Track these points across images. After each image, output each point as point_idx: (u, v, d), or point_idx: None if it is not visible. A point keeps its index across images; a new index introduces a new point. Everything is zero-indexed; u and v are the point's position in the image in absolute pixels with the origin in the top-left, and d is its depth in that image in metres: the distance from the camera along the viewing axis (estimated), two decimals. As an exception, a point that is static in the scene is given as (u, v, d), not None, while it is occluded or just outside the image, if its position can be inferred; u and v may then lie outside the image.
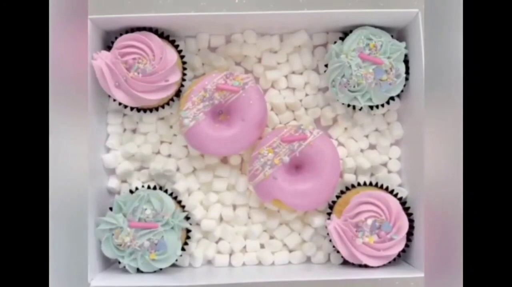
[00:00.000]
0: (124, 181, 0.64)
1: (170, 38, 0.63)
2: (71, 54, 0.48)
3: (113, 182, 0.63)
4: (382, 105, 0.62)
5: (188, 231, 0.61)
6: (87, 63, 0.56)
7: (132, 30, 0.61)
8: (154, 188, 0.61)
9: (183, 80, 0.63)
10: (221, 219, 0.64)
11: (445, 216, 0.37)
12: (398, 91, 0.60)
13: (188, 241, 0.61)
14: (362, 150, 0.64)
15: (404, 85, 0.61)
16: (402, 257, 0.61)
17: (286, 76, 0.65)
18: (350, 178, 0.63)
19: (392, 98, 0.61)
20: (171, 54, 0.60)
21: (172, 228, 0.57)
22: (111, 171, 0.64)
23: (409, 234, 0.59)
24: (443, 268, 0.42)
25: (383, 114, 0.65)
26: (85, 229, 0.53)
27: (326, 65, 0.63)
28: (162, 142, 0.65)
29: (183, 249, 0.60)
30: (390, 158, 0.64)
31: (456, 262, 0.37)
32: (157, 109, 0.63)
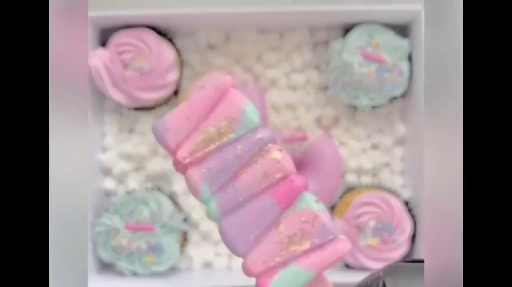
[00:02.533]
0: (120, 182, 0.63)
1: (168, 36, 0.62)
2: (71, 52, 0.48)
3: (109, 183, 0.62)
4: (385, 104, 0.61)
5: (186, 233, 0.61)
6: (86, 61, 0.55)
7: (129, 27, 0.60)
8: (152, 189, 0.60)
9: (181, 78, 0.62)
10: (220, 220, 0.63)
11: (445, 216, 0.36)
12: (401, 90, 0.59)
13: (186, 243, 0.60)
14: (364, 150, 0.63)
15: (407, 84, 0.60)
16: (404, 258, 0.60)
17: (286, 75, 0.64)
18: (352, 178, 0.62)
19: (395, 97, 0.60)
20: (169, 52, 0.59)
21: (170, 230, 0.56)
22: (108, 172, 0.63)
23: (412, 236, 0.58)
24: (443, 268, 0.42)
25: (386, 114, 0.64)
26: (84, 230, 0.52)
27: (327, 63, 0.62)
28: (159, 142, 0.64)
29: (181, 251, 0.59)
30: (393, 158, 0.63)
31: (456, 263, 0.36)
32: (154, 108, 0.62)
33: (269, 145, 0.32)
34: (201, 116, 0.32)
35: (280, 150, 0.32)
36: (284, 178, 0.31)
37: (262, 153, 0.32)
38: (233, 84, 0.33)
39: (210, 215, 0.32)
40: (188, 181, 0.32)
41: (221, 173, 0.31)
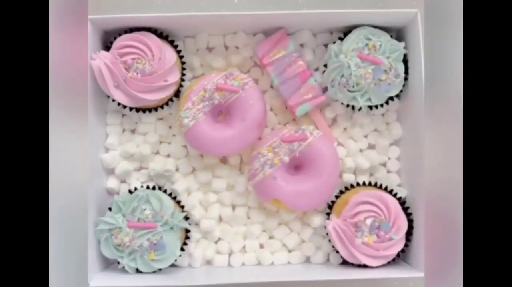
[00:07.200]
0: (123, 181, 0.64)
1: (169, 38, 0.63)
2: (71, 54, 0.48)
3: (112, 182, 0.63)
4: (381, 105, 0.62)
5: (187, 231, 0.61)
6: (87, 63, 0.56)
7: (131, 30, 0.61)
8: (153, 188, 0.61)
9: (182, 80, 0.63)
10: (220, 219, 0.64)
11: (445, 216, 0.37)
12: (397, 91, 0.60)
13: (187, 241, 0.61)
14: (361, 150, 0.64)
15: (403, 85, 0.61)
16: (401, 257, 0.61)
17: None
18: (349, 178, 0.63)
19: (391, 98, 0.61)
20: (170, 54, 0.60)
21: (171, 228, 0.57)
22: (110, 171, 0.64)
23: (408, 234, 0.59)
24: (443, 268, 0.43)
25: (382, 114, 0.65)
26: (85, 229, 0.53)
27: (325, 65, 0.63)
28: (161, 142, 0.65)
29: (182, 249, 0.60)
30: (389, 158, 0.64)
31: (456, 262, 0.37)
32: (156, 109, 0.63)
33: (298, 60, 0.63)
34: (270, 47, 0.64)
35: (300, 58, 0.64)
36: (304, 71, 0.63)
37: (293, 62, 0.63)
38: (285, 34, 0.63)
39: (274, 83, 0.63)
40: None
41: (279, 69, 0.63)
